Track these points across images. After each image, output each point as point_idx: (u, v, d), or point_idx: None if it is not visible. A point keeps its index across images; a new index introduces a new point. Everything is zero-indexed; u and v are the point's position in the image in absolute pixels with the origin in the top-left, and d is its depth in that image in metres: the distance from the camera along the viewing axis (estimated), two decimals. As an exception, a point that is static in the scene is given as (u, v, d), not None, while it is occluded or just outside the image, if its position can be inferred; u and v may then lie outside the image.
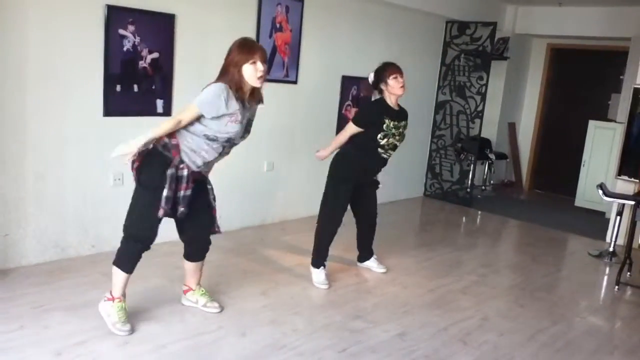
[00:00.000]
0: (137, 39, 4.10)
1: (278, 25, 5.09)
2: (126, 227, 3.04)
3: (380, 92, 3.96)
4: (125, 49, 4.03)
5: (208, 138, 2.97)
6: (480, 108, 6.87)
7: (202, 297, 3.44)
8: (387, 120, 3.86)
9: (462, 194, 7.28)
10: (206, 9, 4.55)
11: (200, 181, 3.14)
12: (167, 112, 4.32)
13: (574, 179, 7.43)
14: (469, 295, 4.08)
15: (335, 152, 4.05)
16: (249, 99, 3.05)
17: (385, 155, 3.98)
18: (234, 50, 3.00)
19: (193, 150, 3.00)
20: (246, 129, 3.13)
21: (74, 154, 3.93)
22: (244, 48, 2.98)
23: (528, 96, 8.63)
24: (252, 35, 4.89)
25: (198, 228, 3.26)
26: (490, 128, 8.02)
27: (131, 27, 4.04)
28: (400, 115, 3.98)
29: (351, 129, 3.94)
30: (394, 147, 3.99)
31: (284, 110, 5.36)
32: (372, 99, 4.07)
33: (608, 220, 5.91)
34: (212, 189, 3.27)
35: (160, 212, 2.95)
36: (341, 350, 3.11)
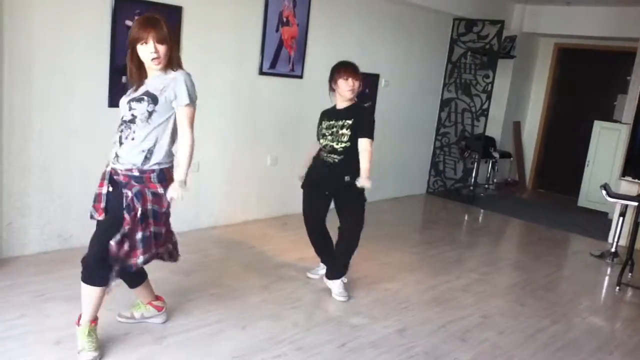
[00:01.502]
0: (143, 31, 4.09)
1: (285, 20, 5.09)
2: None
3: (333, 91, 3.69)
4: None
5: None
6: (485, 106, 6.85)
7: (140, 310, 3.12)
8: (323, 121, 3.71)
9: (465, 192, 7.27)
10: (213, 2, 4.54)
11: (120, 184, 2.67)
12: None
13: (577, 179, 7.42)
14: (469, 293, 4.09)
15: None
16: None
17: (328, 159, 3.67)
18: (132, 27, 2.66)
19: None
20: (134, 99, 2.65)
21: (79, 145, 3.94)
22: (133, 31, 2.61)
23: (534, 95, 8.61)
24: (258, 29, 4.91)
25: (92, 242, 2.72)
26: (495, 126, 8.00)
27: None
28: (341, 114, 3.64)
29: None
30: (332, 150, 3.63)
31: (289, 104, 5.36)
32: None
33: (611, 221, 5.90)
34: (129, 196, 2.62)
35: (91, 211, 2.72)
36: (340, 345, 3.12)
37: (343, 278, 3.77)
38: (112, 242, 2.59)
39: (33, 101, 3.70)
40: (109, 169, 2.71)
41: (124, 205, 2.60)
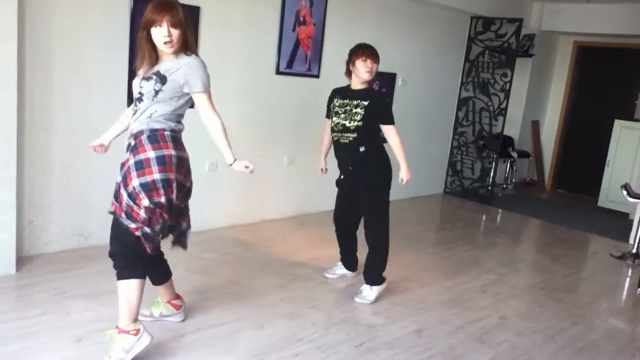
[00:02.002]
0: (162, 31, 4.13)
1: (302, 19, 5.09)
2: None
3: (349, 74, 3.65)
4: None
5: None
6: (503, 105, 6.80)
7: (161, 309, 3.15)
8: (335, 100, 3.67)
9: (483, 192, 7.22)
10: (231, 2, 4.56)
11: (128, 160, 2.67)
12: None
13: (597, 179, 7.34)
14: (487, 294, 4.06)
15: None
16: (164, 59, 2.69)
17: (343, 140, 3.61)
18: (147, 10, 2.62)
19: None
20: (144, 78, 2.65)
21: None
22: (147, 14, 2.60)
23: (552, 94, 8.52)
24: (275, 28, 4.92)
25: None
26: (513, 126, 7.94)
27: (156, 19, 4.07)
28: (355, 94, 3.60)
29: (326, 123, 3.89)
30: (345, 129, 3.58)
31: (305, 104, 5.36)
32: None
33: (632, 222, 5.82)
34: (125, 170, 2.64)
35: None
36: (358, 345, 3.11)
37: (381, 286, 3.76)
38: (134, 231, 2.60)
39: (54, 101, 3.75)
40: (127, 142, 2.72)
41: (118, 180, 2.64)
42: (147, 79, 2.63)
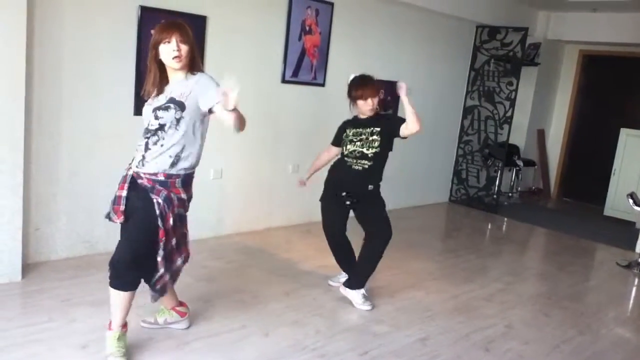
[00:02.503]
0: (169, 40, 4.16)
1: (307, 28, 5.12)
2: None
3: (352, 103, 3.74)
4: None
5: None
6: (509, 114, 6.80)
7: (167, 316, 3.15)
8: (347, 130, 3.72)
9: (488, 200, 7.21)
10: (237, 12, 4.60)
11: (143, 189, 2.68)
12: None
13: (603, 187, 7.31)
14: (493, 303, 4.04)
15: None
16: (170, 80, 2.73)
17: (356, 167, 3.65)
18: (154, 31, 2.68)
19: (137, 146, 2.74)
20: (161, 107, 2.65)
21: (106, 152, 4.00)
22: (156, 31, 2.67)
23: (558, 103, 8.52)
24: (281, 37, 4.95)
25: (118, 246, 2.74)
26: (518, 134, 7.93)
27: (163, 28, 4.10)
28: (367, 122, 3.67)
29: (327, 147, 3.96)
30: (362, 156, 3.63)
31: (310, 112, 5.38)
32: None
33: (638, 231, 5.80)
34: (159, 202, 2.66)
35: (112, 219, 2.72)
36: (363, 353, 3.11)
37: (363, 290, 3.75)
38: (159, 259, 2.69)
39: (61, 109, 3.78)
40: (130, 172, 2.73)
41: (157, 214, 2.63)
42: (165, 108, 2.63)
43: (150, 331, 3.06)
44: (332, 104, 5.43)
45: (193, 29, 3.96)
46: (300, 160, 5.39)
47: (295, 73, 5.13)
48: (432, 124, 6.81)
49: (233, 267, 4.20)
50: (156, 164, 2.66)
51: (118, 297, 2.72)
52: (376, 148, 3.63)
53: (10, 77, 3.31)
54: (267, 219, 5.27)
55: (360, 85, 3.64)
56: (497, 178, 7.13)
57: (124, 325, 2.78)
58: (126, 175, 2.74)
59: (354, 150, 3.66)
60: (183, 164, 2.70)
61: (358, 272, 3.76)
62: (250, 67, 4.82)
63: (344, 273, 4.00)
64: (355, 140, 3.67)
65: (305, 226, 5.46)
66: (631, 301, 4.62)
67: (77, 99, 3.82)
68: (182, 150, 2.68)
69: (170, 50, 2.61)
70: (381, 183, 3.77)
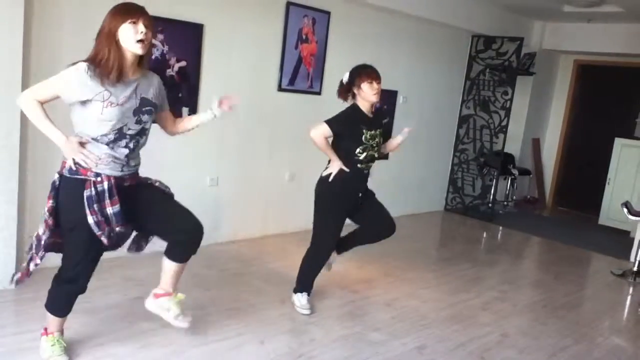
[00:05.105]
0: (166, 48, 4.17)
1: (304, 37, 5.14)
2: (59, 273, 2.71)
3: (353, 96, 3.56)
4: (153, 57, 4.10)
5: (94, 139, 2.49)
6: (504, 123, 6.83)
7: (176, 307, 2.93)
8: (364, 131, 3.47)
9: (484, 209, 7.22)
10: (234, 20, 4.61)
11: (131, 187, 2.65)
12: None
13: (598, 197, 7.34)
14: (489, 312, 4.04)
15: (319, 178, 3.64)
16: (133, 72, 2.52)
17: (366, 171, 3.59)
18: (106, 17, 2.43)
19: (106, 157, 2.52)
20: (141, 109, 2.55)
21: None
22: (119, 10, 2.41)
23: (553, 112, 8.56)
24: (278, 46, 4.97)
25: (176, 221, 2.75)
26: (514, 143, 7.96)
27: (160, 36, 4.11)
28: (375, 123, 3.56)
29: (323, 129, 3.50)
30: (372, 159, 3.58)
31: (307, 120, 5.33)
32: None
33: (632, 240, 5.81)
34: (158, 182, 2.80)
35: (105, 241, 2.54)
36: (359, 361, 3.10)
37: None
38: None
39: (57, 115, 3.75)
40: (109, 184, 2.52)
41: (167, 190, 2.79)
42: (148, 112, 2.58)
43: (145, 339, 3.05)
44: (329, 112, 5.41)
45: (190, 37, 3.98)
46: (296, 168, 5.39)
47: (292, 81, 5.15)
48: (427, 133, 6.84)
49: (229, 275, 4.18)
50: (137, 162, 2.71)
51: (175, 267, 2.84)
52: (379, 152, 3.65)
53: (6, 82, 3.30)
54: (263, 226, 5.26)
55: (365, 68, 3.55)
56: (493, 187, 7.15)
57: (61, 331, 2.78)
58: (102, 190, 2.51)
59: (369, 155, 3.53)
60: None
61: (350, 244, 3.80)
62: (247, 75, 4.82)
63: (335, 255, 3.86)
64: (373, 144, 3.52)
65: (301, 234, 5.43)
66: (626, 310, 4.62)
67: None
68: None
69: (135, 33, 2.38)
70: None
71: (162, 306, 2.90)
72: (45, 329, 2.80)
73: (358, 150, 3.48)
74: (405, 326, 3.63)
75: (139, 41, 2.40)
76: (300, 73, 5.19)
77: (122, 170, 2.58)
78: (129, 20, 2.38)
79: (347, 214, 3.64)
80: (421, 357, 3.22)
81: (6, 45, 3.28)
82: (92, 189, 2.49)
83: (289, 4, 4.93)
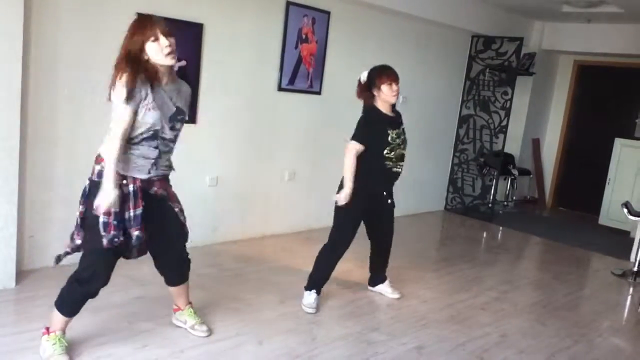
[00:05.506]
0: (165, 47, 4.16)
1: (304, 36, 5.14)
2: (75, 272, 2.74)
3: (372, 97, 3.60)
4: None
5: (142, 138, 2.60)
6: (504, 123, 6.83)
7: (190, 318, 3.17)
8: (389, 131, 3.53)
9: (484, 209, 7.22)
10: (234, 20, 4.61)
11: (152, 197, 2.74)
12: (191, 119, 4.36)
13: (598, 197, 7.33)
14: (488, 312, 4.04)
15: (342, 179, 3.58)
16: (167, 81, 2.64)
17: (397, 169, 3.64)
18: (129, 32, 2.53)
19: (136, 157, 2.62)
20: (176, 117, 2.67)
21: (100, 158, 3.99)
22: (139, 25, 2.51)
23: (553, 112, 8.56)
24: (277, 45, 4.97)
25: (170, 253, 2.93)
26: (514, 143, 7.96)
27: (160, 36, 4.10)
28: (397, 121, 3.66)
29: (354, 147, 3.49)
30: (402, 157, 3.66)
31: (306, 120, 5.39)
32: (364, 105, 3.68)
33: (633, 240, 5.81)
34: (180, 209, 2.87)
35: (104, 242, 2.56)
36: (358, 361, 3.10)
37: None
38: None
39: (58, 117, 3.77)
40: (134, 186, 2.64)
41: (182, 218, 2.87)
42: (181, 120, 2.70)
43: (145, 339, 3.05)
44: (328, 111, 5.45)
45: (190, 37, 4.00)
46: (296, 168, 5.40)
47: (292, 81, 5.15)
48: (427, 133, 6.84)
49: (228, 275, 4.18)
50: (168, 165, 2.81)
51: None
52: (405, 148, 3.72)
53: (6, 86, 3.30)
54: (263, 226, 5.26)
55: (385, 70, 3.59)
56: (493, 187, 7.15)
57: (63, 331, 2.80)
58: (128, 192, 2.62)
59: (399, 154, 3.60)
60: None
61: (381, 267, 4.07)
62: (247, 74, 4.83)
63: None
64: (400, 143, 3.61)
65: (301, 234, 5.45)
66: (626, 310, 4.62)
67: (73, 107, 3.81)
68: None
69: (162, 47, 2.47)
70: None
71: (178, 319, 3.21)
72: (47, 328, 2.79)
73: (386, 151, 3.53)
74: (405, 326, 3.63)
75: (169, 54, 2.50)
76: (300, 73, 5.19)
77: (149, 173, 2.67)
78: (151, 40, 2.47)
79: (366, 212, 3.71)
80: (420, 358, 3.22)
81: (6, 46, 3.27)
82: (118, 190, 2.55)
83: (288, 4, 4.93)
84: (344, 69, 5.53)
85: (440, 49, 6.69)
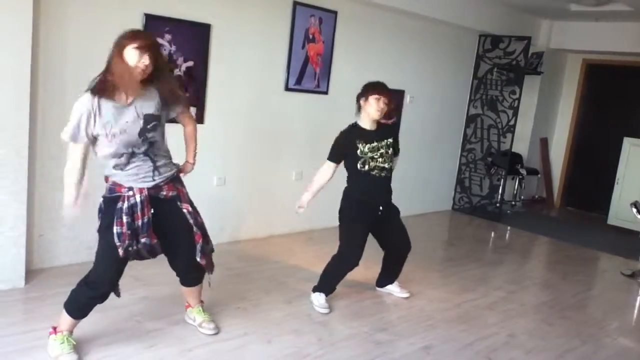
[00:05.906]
0: (173, 48, 4.19)
1: (311, 37, 5.14)
2: (86, 275, 2.81)
3: (359, 109, 3.65)
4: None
5: (116, 156, 2.65)
6: (512, 122, 6.80)
7: (198, 316, 3.23)
8: (360, 145, 3.57)
9: (491, 208, 7.20)
10: (241, 20, 4.62)
11: (163, 200, 2.79)
12: (199, 119, 4.38)
13: (606, 197, 7.29)
14: (495, 312, 4.03)
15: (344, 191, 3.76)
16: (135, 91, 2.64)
17: (382, 174, 3.64)
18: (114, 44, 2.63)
19: (133, 174, 2.69)
20: (145, 126, 2.66)
21: (108, 158, 4.01)
22: (124, 36, 2.64)
23: (561, 112, 8.52)
24: (284, 45, 4.97)
25: (179, 257, 2.95)
26: (521, 143, 7.93)
27: (167, 36, 4.13)
28: (380, 134, 3.63)
29: (326, 164, 3.68)
30: (383, 169, 3.62)
31: (313, 120, 5.39)
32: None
33: (642, 240, 5.78)
34: (190, 210, 2.88)
35: (120, 252, 2.65)
36: (365, 361, 3.10)
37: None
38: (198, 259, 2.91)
39: (67, 113, 3.77)
40: (141, 197, 2.69)
41: (191, 221, 2.85)
42: (152, 129, 2.69)
43: (152, 339, 3.06)
44: (335, 111, 5.44)
45: (197, 37, 4.00)
46: (303, 168, 5.40)
47: (299, 81, 5.15)
48: (435, 132, 6.83)
49: (234, 275, 4.19)
50: (167, 166, 2.82)
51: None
52: (391, 162, 3.69)
53: (15, 82, 3.33)
54: (270, 226, 5.27)
55: (378, 84, 3.62)
56: (500, 187, 7.12)
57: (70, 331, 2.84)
58: (134, 202, 2.68)
59: (375, 167, 3.61)
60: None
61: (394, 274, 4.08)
62: (254, 74, 4.84)
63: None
64: (375, 156, 3.60)
65: (307, 234, 5.45)
66: (635, 311, 4.60)
67: (81, 106, 3.83)
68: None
69: (140, 60, 2.58)
70: None
71: (188, 316, 3.28)
72: (54, 328, 2.82)
73: (359, 165, 3.59)
74: (412, 326, 3.62)
75: (142, 70, 2.57)
76: (307, 73, 5.20)
77: (153, 179, 2.73)
78: (132, 46, 2.60)
79: (369, 223, 3.69)
80: (427, 358, 3.22)
81: (15, 46, 3.30)
82: (126, 202, 2.66)
83: (295, 4, 4.94)
84: (351, 69, 5.53)
85: (447, 48, 6.68)
